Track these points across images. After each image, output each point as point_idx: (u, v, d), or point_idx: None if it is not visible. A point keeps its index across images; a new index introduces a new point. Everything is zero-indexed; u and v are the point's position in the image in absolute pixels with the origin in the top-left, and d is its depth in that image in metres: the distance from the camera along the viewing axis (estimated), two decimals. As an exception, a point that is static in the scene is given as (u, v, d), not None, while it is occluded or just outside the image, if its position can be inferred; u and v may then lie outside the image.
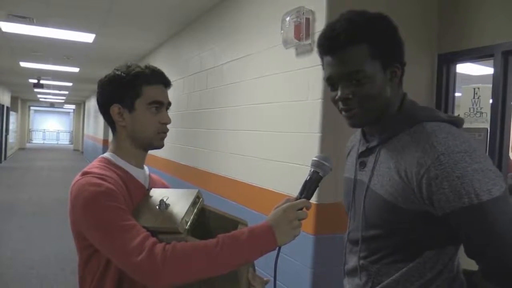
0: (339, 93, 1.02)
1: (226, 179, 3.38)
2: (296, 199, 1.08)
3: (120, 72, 1.20)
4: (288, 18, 2.49)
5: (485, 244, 0.91)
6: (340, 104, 1.04)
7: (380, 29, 1.01)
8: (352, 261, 1.12)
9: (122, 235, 1.01)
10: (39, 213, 6.99)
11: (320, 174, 1.09)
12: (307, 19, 2.35)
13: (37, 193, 8.97)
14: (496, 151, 2.30)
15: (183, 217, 1.06)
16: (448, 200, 0.90)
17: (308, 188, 1.09)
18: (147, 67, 1.22)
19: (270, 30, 2.80)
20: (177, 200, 1.13)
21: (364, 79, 0.99)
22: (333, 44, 1.01)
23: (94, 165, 1.18)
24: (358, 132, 1.25)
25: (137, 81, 1.18)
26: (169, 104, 1.26)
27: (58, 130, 31.04)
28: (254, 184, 2.92)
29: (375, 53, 0.99)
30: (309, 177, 1.10)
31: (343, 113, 1.05)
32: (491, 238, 0.90)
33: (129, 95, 1.18)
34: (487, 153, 2.32)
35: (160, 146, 1.24)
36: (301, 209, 1.06)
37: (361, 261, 1.08)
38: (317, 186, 1.10)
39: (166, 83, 1.25)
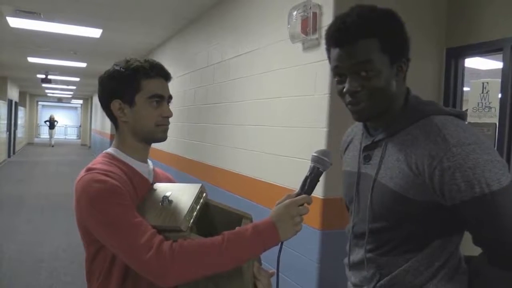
0: (347, 86, 1.02)
1: (233, 173, 3.39)
2: (297, 194, 1.09)
3: (119, 67, 1.19)
4: (295, 13, 2.48)
5: (493, 232, 0.94)
6: (348, 97, 1.04)
7: (390, 25, 1.02)
8: (359, 254, 1.13)
9: (130, 232, 1.01)
10: (48, 207, 7.06)
11: (320, 169, 1.10)
12: (314, 14, 2.34)
13: (45, 187, 9.06)
14: (505, 146, 2.28)
15: (186, 214, 1.06)
16: (460, 190, 0.92)
17: (308, 184, 1.10)
18: (146, 61, 1.20)
19: (277, 25, 2.79)
20: (180, 196, 1.13)
21: (372, 71, 0.99)
22: (343, 36, 1.01)
23: (98, 161, 1.17)
24: (355, 126, 1.26)
25: (136, 75, 1.17)
26: (170, 97, 1.24)
27: (66, 125, 31.21)
28: (261, 179, 2.93)
29: (384, 47, 1.00)
30: (309, 172, 1.11)
31: (350, 106, 1.05)
32: (499, 226, 0.92)
33: (129, 90, 1.17)
34: (495, 148, 2.31)
35: (162, 138, 1.23)
36: (302, 204, 1.07)
37: (368, 254, 1.09)
38: (318, 181, 1.11)
39: (166, 76, 1.23)
